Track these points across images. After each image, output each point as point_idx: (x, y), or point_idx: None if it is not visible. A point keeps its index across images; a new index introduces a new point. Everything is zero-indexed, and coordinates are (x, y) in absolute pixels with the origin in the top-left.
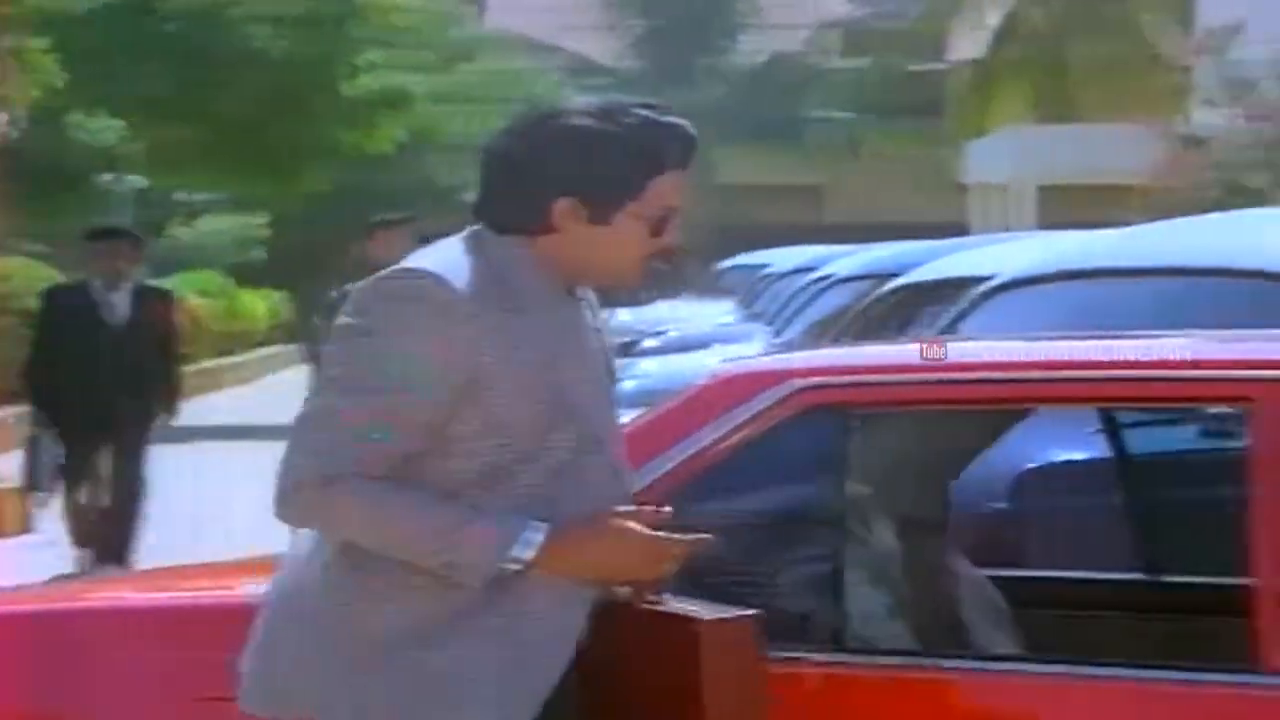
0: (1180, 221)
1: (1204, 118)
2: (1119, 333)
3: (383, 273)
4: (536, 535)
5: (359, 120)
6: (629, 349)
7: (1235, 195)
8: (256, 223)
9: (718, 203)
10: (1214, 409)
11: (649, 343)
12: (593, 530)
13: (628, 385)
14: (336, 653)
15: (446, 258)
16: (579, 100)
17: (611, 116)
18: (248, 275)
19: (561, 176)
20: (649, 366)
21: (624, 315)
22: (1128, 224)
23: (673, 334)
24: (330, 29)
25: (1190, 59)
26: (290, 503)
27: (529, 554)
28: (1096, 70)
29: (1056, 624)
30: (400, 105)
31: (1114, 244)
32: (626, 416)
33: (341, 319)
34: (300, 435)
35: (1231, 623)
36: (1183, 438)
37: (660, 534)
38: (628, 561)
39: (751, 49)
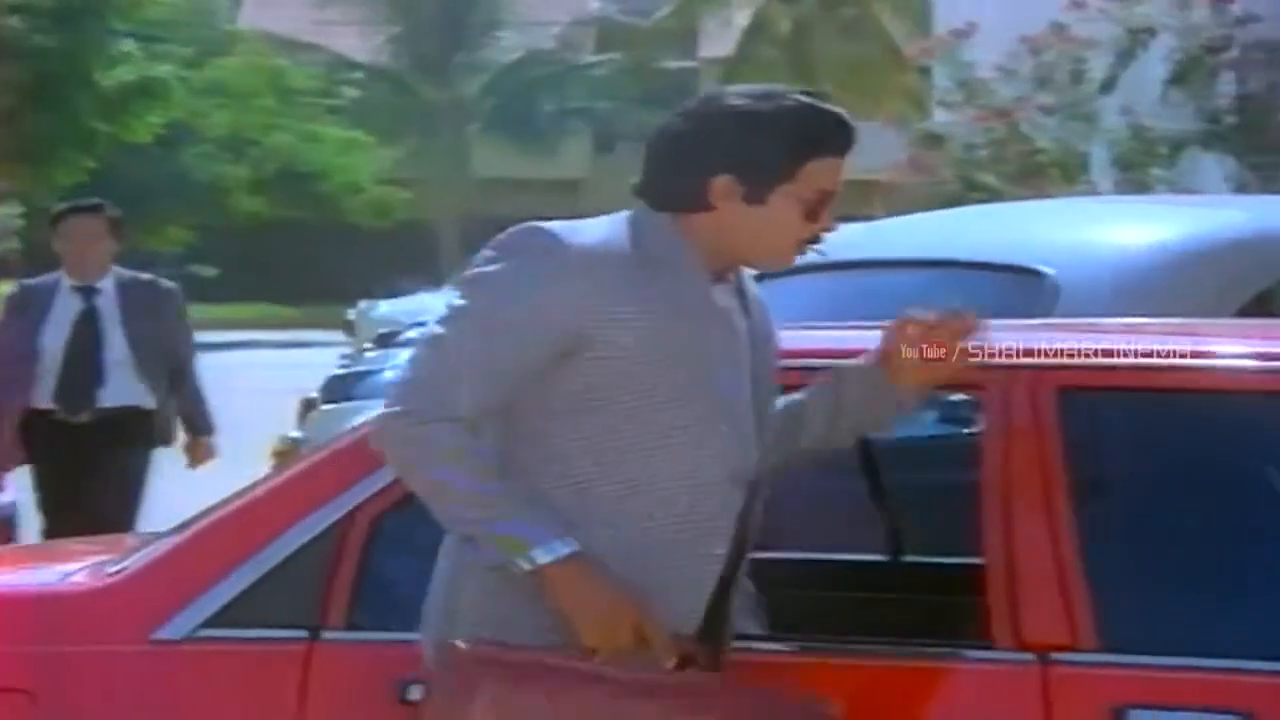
0: (919, 216)
1: (941, 117)
2: (867, 323)
3: (512, 227)
4: (562, 549)
5: (115, 111)
6: (390, 339)
7: (971, 191)
8: (11, 214)
9: (475, 196)
10: (950, 396)
11: (411, 333)
12: (605, 583)
13: (388, 375)
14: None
15: (583, 224)
16: (743, 85)
17: (772, 99)
18: (2, 268)
19: (722, 154)
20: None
21: (385, 306)
22: (871, 218)
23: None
24: (85, 20)
25: (927, 60)
26: (382, 431)
27: (544, 560)
28: (841, 70)
29: (799, 604)
30: (157, 97)
31: (858, 237)
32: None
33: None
34: (404, 371)
35: (966, 601)
36: (920, 424)
37: (652, 624)
38: (596, 627)
39: (507, 45)
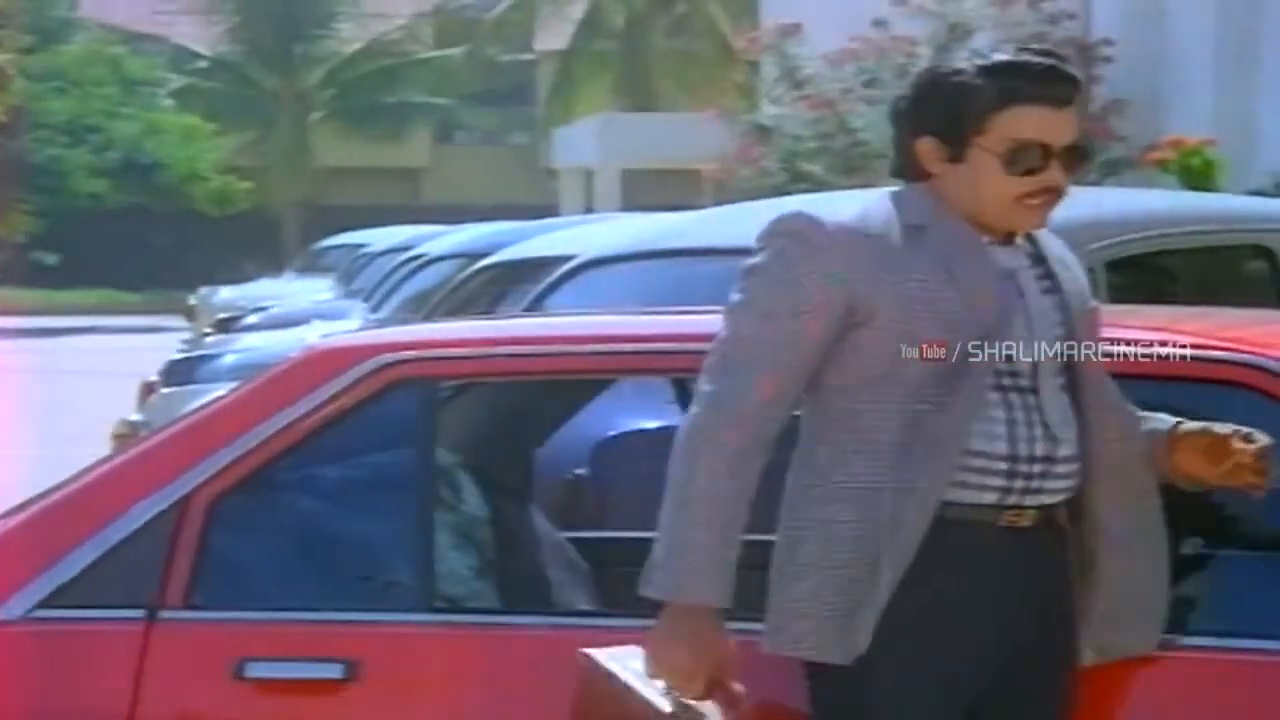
0: (745, 205)
1: (768, 109)
2: (691, 308)
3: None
4: (696, 594)
5: None
6: (231, 324)
7: (797, 181)
8: None
9: (316, 184)
10: None
11: (251, 318)
12: (703, 628)
13: (228, 359)
14: None
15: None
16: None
17: (970, 59)
18: None
19: (919, 118)
20: (251, 341)
21: (226, 292)
22: (701, 207)
23: (274, 310)
24: None
25: (755, 54)
26: (683, 429)
27: (668, 595)
28: (673, 62)
29: (636, 582)
30: (3, 86)
31: (687, 225)
32: (224, 389)
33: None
34: (702, 373)
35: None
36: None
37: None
38: (674, 665)
39: (348, 37)
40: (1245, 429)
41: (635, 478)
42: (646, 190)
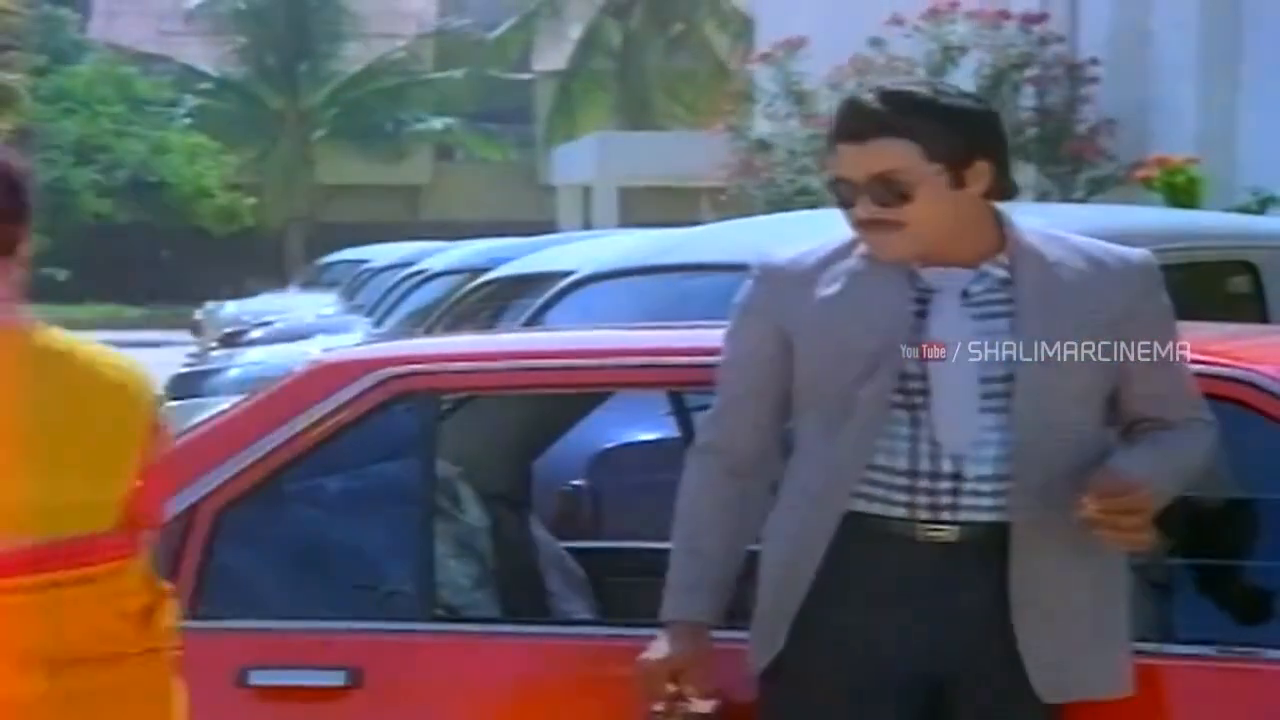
0: (742, 221)
1: (766, 126)
2: (689, 323)
3: None
4: (666, 610)
5: None
6: (236, 339)
7: (797, 197)
8: None
9: (320, 202)
10: None
11: (255, 333)
12: (672, 642)
13: (234, 373)
14: None
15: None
16: None
17: None
18: None
19: None
20: (256, 355)
21: (231, 307)
22: (699, 223)
23: (278, 324)
24: None
25: (752, 72)
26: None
27: (667, 614)
28: (670, 81)
29: (633, 591)
30: (7, 104)
31: (684, 241)
32: (229, 402)
33: None
34: None
35: None
36: None
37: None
38: (640, 671)
39: (352, 57)
40: (1123, 485)
41: (633, 489)
42: (643, 207)
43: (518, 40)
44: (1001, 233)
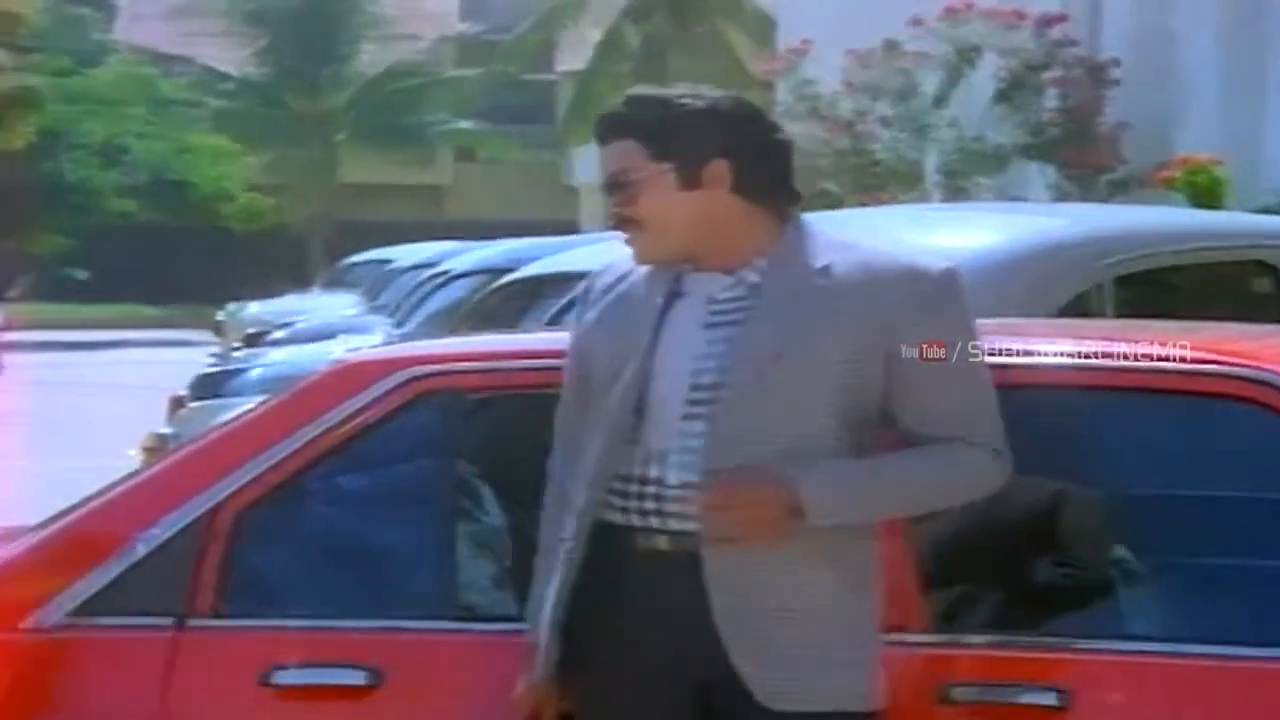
0: None
1: (786, 129)
2: None
3: None
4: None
5: None
6: (259, 339)
7: (815, 199)
8: None
9: (342, 202)
10: None
11: (278, 333)
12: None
13: (256, 374)
14: None
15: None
16: None
17: None
18: None
19: None
20: (278, 356)
21: (253, 308)
22: None
23: (301, 325)
24: None
25: (771, 76)
26: None
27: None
28: (691, 83)
29: None
30: (32, 105)
31: None
32: (251, 402)
33: None
34: None
35: None
36: None
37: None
38: None
39: (374, 58)
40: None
41: None
42: None
43: (538, 41)
44: (782, 238)
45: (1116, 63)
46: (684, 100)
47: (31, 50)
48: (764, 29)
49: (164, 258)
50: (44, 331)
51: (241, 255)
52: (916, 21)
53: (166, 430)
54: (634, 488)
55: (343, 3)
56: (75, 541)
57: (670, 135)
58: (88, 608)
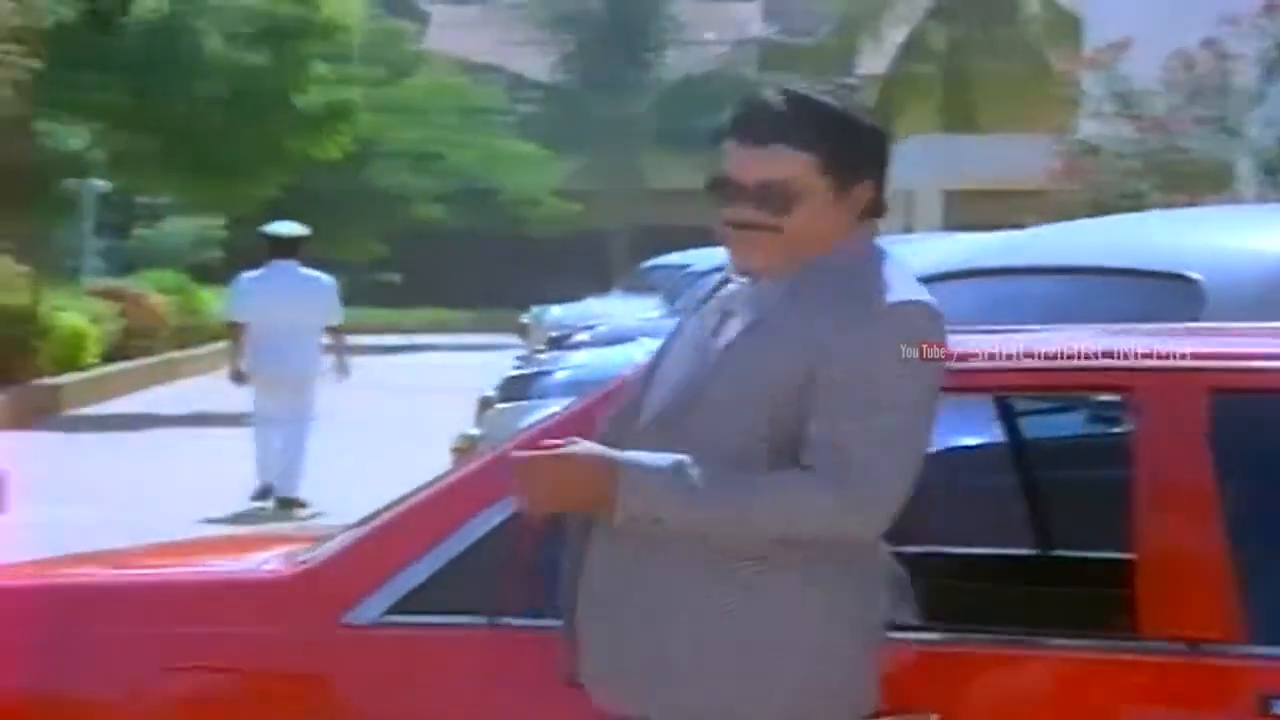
0: (1070, 224)
1: (1091, 128)
2: (1016, 326)
3: None
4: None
5: (308, 129)
6: (562, 342)
7: (1123, 200)
8: (214, 224)
9: (645, 207)
10: (1099, 397)
11: (581, 336)
12: None
13: (561, 376)
14: None
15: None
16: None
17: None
18: (206, 274)
19: None
20: (582, 358)
21: (557, 311)
22: (1022, 227)
23: (602, 328)
24: (285, 42)
25: (1079, 74)
26: None
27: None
28: (995, 84)
29: (957, 596)
30: (347, 116)
31: (1012, 245)
32: (558, 405)
33: None
34: None
35: (1115, 594)
36: (1071, 424)
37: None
38: None
39: (675, 64)
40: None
41: (958, 493)
42: (965, 210)
43: (839, 45)
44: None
45: None
46: (856, 114)
47: (349, 61)
48: (1070, 28)
49: (472, 262)
50: (359, 335)
51: (545, 260)
52: (1231, 20)
53: (476, 431)
54: None
55: (646, 8)
56: (392, 539)
57: (845, 152)
58: (404, 605)
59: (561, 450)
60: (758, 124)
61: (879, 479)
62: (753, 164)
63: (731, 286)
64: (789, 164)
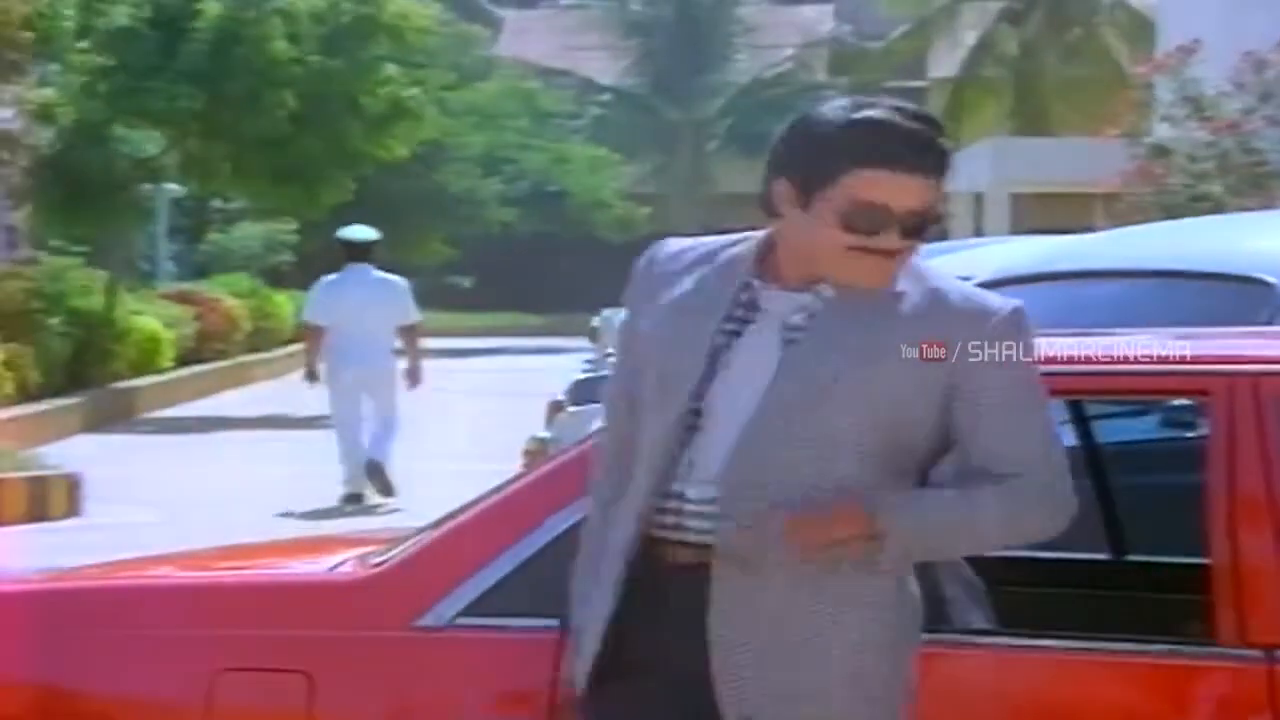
0: (1142, 228)
1: (1162, 131)
2: (1087, 330)
3: None
4: None
5: (379, 134)
6: None
7: (1196, 203)
8: (285, 229)
9: (713, 211)
10: (1175, 401)
11: None
12: None
13: None
14: None
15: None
16: (846, 97)
17: (846, 108)
18: (277, 278)
19: (784, 159)
20: None
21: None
22: (1093, 230)
23: None
24: (354, 46)
25: (1151, 77)
26: None
27: None
28: (1066, 87)
29: (1028, 600)
30: (412, 114)
31: (1083, 248)
32: None
33: None
34: None
35: (1191, 599)
36: (1146, 427)
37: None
38: None
39: (743, 68)
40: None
41: None
42: (1036, 213)
43: (908, 48)
44: None
45: None
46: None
47: (422, 65)
48: (1142, 30)
49: (542, 266)
50: (429, 339)
51: (616, 264)
52: None
53: (546, 435)
54: (669, 503)
55: (715, 12)
56: (463, 543)
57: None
58: (476, 608)
59: (820, 511)
60: (936, 158)
61: (1063, 471)
62: (913, 193)
63: (777, 294)
64: (938, 192)
